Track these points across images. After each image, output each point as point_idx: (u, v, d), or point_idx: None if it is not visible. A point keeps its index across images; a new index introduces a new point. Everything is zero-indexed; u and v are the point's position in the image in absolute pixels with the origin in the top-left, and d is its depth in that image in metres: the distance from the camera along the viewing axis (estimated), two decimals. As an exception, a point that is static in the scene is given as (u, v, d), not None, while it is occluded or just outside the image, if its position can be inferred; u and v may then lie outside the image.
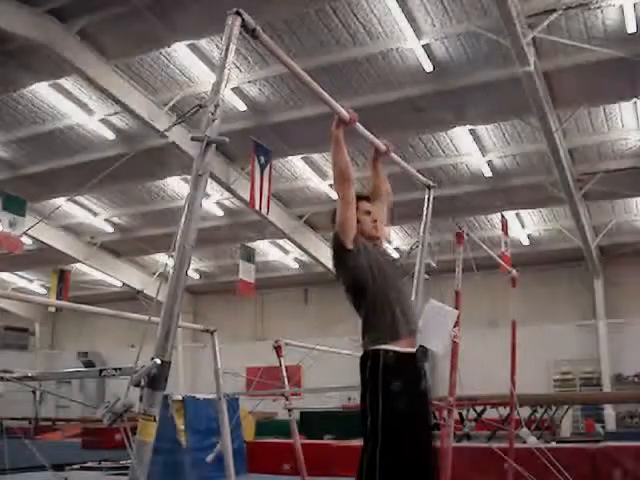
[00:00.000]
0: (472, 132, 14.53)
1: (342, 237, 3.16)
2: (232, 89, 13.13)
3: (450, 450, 5.02)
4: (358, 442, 10.95)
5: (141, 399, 1.97)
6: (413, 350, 3.19)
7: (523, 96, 11.96)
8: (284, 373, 6.67)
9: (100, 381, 24.15)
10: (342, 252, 3.19)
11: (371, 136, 3.55)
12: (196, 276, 24.39)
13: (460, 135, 14.65)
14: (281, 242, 21.12)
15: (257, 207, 13.44)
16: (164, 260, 20.97)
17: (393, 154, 3.74)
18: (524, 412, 11.15)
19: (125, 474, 2.27)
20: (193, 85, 13.36)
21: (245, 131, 14.05)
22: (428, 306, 4.55)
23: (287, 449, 8.47)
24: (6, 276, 25.34)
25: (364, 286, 3.18)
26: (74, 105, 14.26)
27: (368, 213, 3.36)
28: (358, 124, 3.37)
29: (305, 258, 21.55)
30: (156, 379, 1.96)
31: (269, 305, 25.02)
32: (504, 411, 11.20)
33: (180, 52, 12.40)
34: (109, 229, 20.83)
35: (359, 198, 3.32)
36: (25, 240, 19.69)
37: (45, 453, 4.59)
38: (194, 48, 12.20)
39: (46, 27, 11.25)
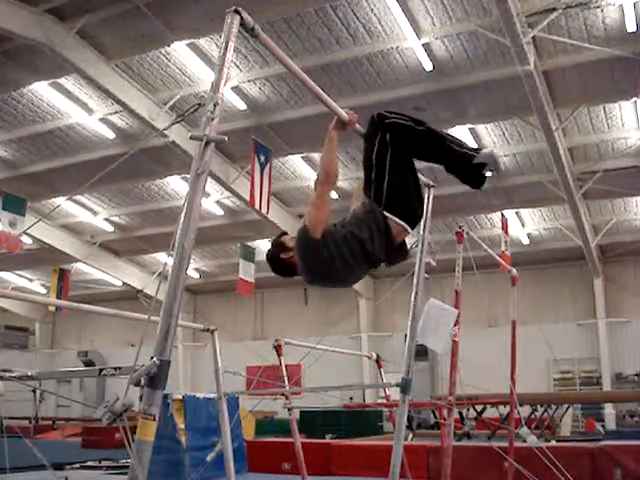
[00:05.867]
0: (472, 131, 14.53)
1: (311, 233, 3.05)
2: (232, 88, 13.13)
3: (450, 449, 5.02)
4: (358, 442, 10.90)
5: (141, 398, 1.97)
6: None
7: (523, 95, 11.97)
8: (284, 372, 6.67)
9: (100, 380, 24.17)
10: (310, 242, 3.06)
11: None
12: (196, 275, 24.41)
13: (460, 134, 14.63)
14: (281, 241, 21.11)
15: (257, 206, 13.46)
16: (164, 259, 20.98)
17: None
18: (524, 411, 11.16)
19: (125, 473, 2.27)
20: (193, 84, 13.36)
21: (245, 130, 14.07)
22: (428, 305, 4.55)
23: (287, 448, 8.48)
24: (6, 275, 25.35)
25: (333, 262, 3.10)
26: (74, 104, 14.27)
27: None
28: (357, 125, 3.34)
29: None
30: (156, 378, 1.95)
31: (269, 304, 25.04)
32: (504, 410, 11.20)
33: (180, 51, 12.40)
34: (109, 228, 20.84)
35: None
36: (25, 239, 19.72)
37: (45, 452, 4.58)
38: (194, 47, 12.20)
39: (46, 27, 11.26)
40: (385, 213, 3.17)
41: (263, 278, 18.73)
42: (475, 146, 3.32)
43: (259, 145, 13.42)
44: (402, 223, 3.22)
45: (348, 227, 3.15)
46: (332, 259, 3.04)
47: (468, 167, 3.24)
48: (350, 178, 16.07)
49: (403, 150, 3.25)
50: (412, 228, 3.30)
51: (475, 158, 3.21)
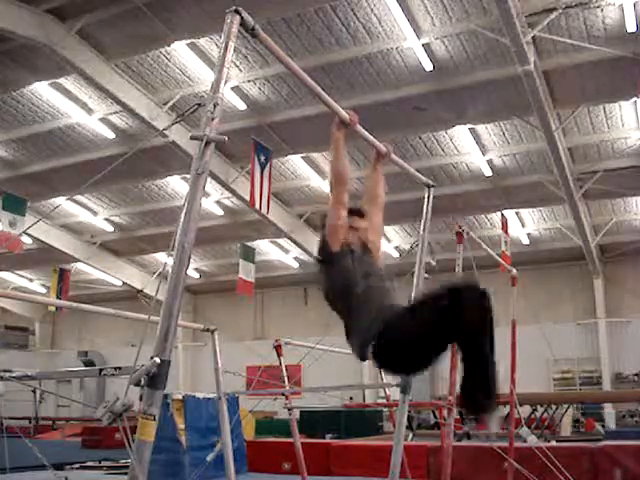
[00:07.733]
0: (472, 131, 14.53)
1: (329, 240, 3.12)
2: (232, 88, 13.13)
3: (450, 449, 5.01)
4: (358, 442, 10.90)
5: (141, 398, 1.97)
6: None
7: (523, 95, 11.97)
8: (284, 372, 6.67)
9: (100, 380, 24.15)
10: (328, 254, 3.12)
11: (371, 138, 3.53)
12: (196, 275, 24.40)
13: (460, 134, 14.65)
14: (281, 241, 21.12)
15: (257, 206, 13.46)
16: (164, 259, 20.97)
17: (393, 155, 3.70)
18: (524, 411, 11.16)
19: (125, 473, 2.27)
20: (193, 84, 13.36)
21: (245, 130, 14.06)
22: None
23: (287, 448, 8.48)
24: (6, 275, 25.35)
25: (349, 289, 3.02)
26: (74, 104, 14.26)
27: (355, 229, 3.28)
28: (359, 126, 3.35)
29: (305, 257, 21.55)
30: (156, 378, 1.96)
31: (269, 304, 25.03)
32: (504, 410, 11.20)
33: (180, 51, 12.40)
34: (109, 228, 20.84)
35: (351, 212, 3.29)
36: (25, 239, 19.70)
37: (45, 452, 4.59)
38: (194, 47, 12.20)
39: (46, 27, 11.25)
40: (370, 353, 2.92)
41: (263, 278, 18.76)
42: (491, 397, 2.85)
43: (259, 145, 13.42)
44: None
45: (358, 289, 3.00)
46: (332, 274, 3.10)
47: (475, 398, 2.86)
48: (350, 178, 16.03)
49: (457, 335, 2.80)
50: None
51: (481, 408, 2.86)
